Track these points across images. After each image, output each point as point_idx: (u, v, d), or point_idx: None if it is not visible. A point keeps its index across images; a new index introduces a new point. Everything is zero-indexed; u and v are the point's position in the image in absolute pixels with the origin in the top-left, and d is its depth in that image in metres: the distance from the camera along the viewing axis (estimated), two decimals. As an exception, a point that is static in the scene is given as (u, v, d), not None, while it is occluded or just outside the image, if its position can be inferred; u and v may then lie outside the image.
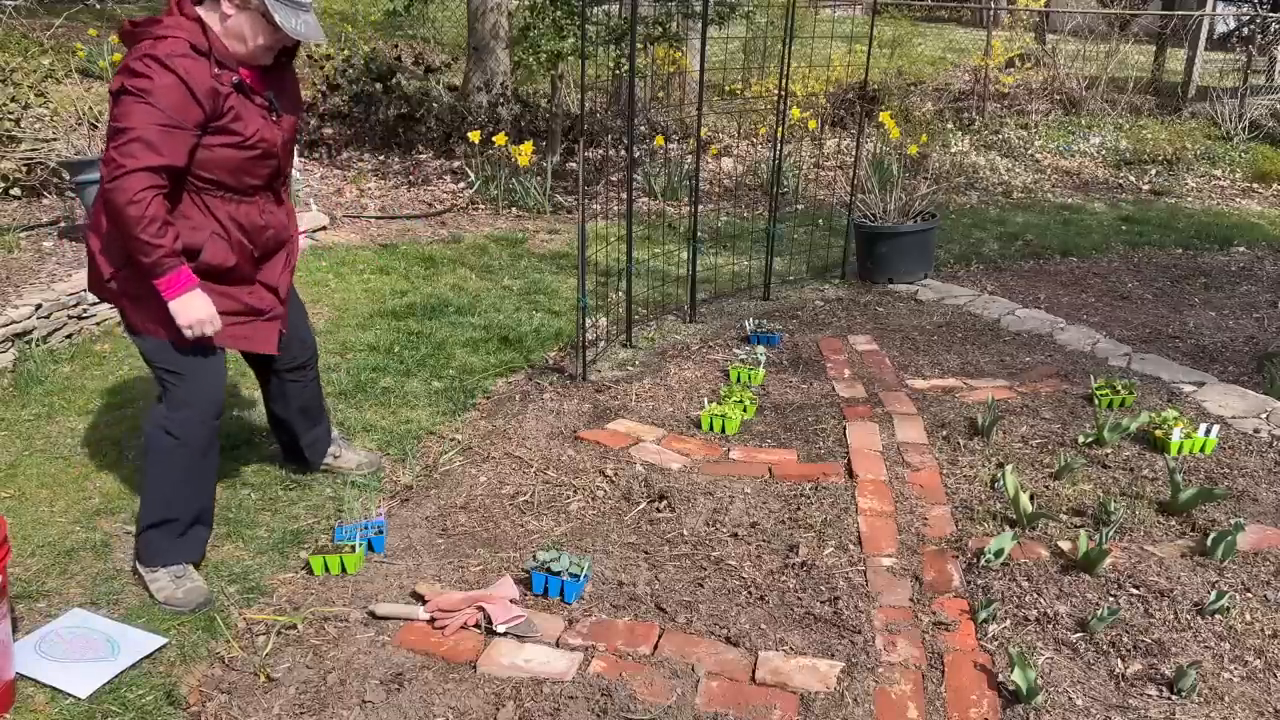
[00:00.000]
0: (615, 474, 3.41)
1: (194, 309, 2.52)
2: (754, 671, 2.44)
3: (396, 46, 10.54)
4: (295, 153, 2.99)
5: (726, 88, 10.42)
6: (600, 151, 8.52)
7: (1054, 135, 9.86)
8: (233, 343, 2.73)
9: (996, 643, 2.54)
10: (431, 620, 2.60)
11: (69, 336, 4.51)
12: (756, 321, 4.84)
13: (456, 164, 8.03)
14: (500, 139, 7.05)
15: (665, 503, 3.22)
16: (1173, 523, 3.10)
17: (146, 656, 2.46)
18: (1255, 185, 8.72)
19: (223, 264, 2.61)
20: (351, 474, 3.33)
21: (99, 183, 2.53)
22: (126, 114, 2.35)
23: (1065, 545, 2.94)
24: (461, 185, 7.64)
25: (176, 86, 2.36)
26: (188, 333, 2.54)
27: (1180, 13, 11.38)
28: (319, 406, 3.27)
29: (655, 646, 2.53)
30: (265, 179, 2.68)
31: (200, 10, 2.48)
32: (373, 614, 2.64)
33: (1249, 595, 2.72)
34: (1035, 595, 2.72)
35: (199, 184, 2.54)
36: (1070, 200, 8.06)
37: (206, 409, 2.70)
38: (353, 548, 2.84)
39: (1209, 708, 2.31)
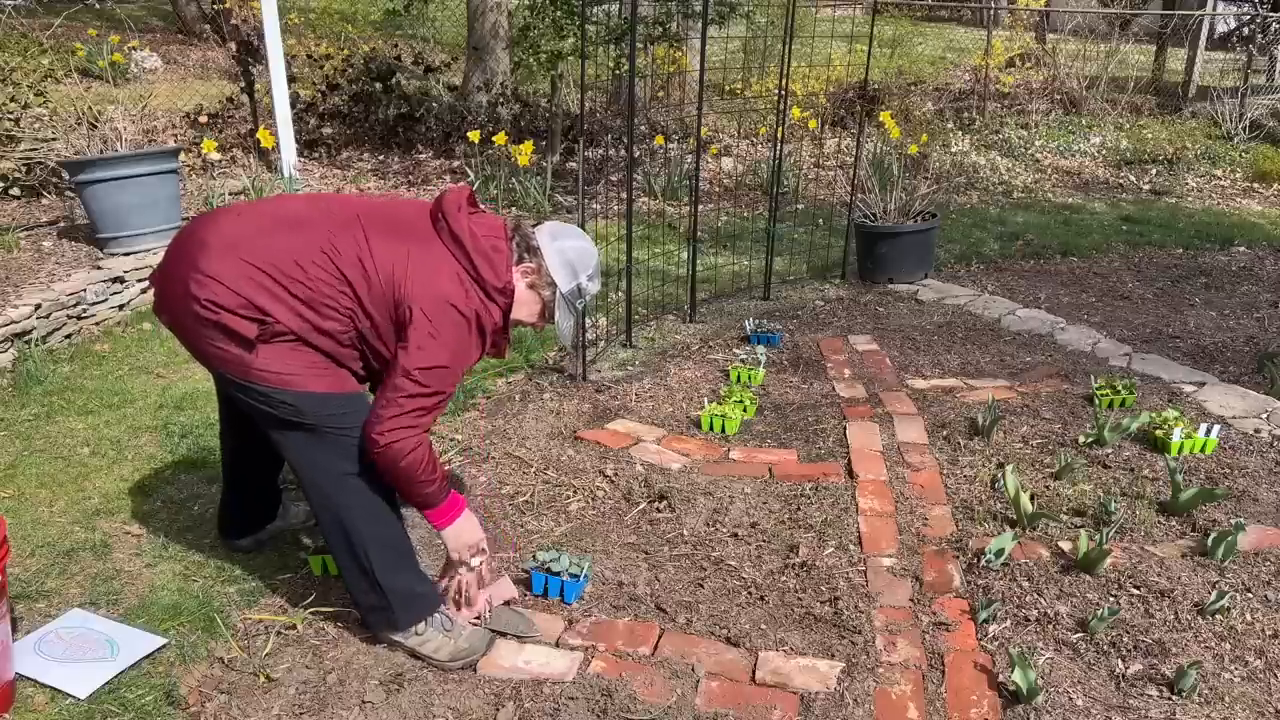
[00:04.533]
0: (615, 474, 3.40)
1: (468, 533, 2.44)
2: (754, 671, 2.44)
3: (396, 46, 10.54)
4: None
5: (726, 87, 10.42)
6: (600, 151, 8.52)
7: (1054, 135, 9.86)
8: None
9: (997, 643, 2.54)
10: (431, 620, 2.59)
11: (68, 336, 4.51)
12: (756, 321, 4.83)
13: (456, 164, 8.02)
14: (500, 139, 7.05)
15: (665, 503, 3.22)
16: (1173, 523, 3.10)
17: (146, 656, 2.46)
18: (1256, 185, 8.72)
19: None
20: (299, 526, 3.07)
21: (369, 426, 2.26)
22: (433, 377, 2.24)
23: (1065, 545, 2.94)
24: (461, 185, 7.63)
25: (477, 355, 2.40)
26: (463, 568, 2.47)
27: (1180, 12, 11.39)
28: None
29: (655, 647, 2.53)
30: None
31: (515, 272, 2.42)
32: (373, 614, 2.64)
33: (1249, 595, 2.72)
34: (1035, 595, 2.72)
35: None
36: (1070, 200, 8.06)
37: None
38: (352, 548, 2.83)
39: (1209, 708, 2.30)
